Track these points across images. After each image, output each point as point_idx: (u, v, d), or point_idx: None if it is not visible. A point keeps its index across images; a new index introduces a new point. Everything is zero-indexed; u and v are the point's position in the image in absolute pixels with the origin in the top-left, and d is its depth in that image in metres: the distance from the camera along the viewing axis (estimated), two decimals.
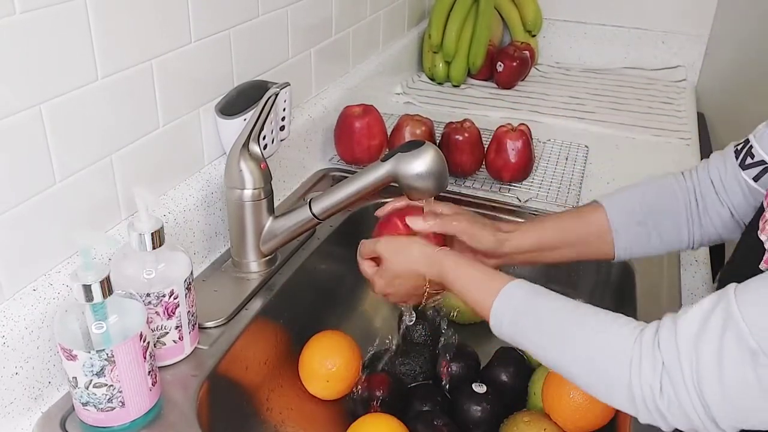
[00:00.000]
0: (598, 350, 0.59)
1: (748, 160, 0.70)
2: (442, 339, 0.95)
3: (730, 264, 0.71)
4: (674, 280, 0.90)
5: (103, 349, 0.58)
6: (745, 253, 0.67)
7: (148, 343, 0.63)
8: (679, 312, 0.56)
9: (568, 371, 0.62)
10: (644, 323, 0.58)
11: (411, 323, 0.94)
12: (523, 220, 0.96)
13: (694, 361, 0.52)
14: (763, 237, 0.62)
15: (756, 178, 0.70)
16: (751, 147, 0.70)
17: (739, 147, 0.72)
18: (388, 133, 1.16)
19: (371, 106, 1.15)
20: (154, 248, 0.66)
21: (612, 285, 0.98)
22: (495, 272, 0.70)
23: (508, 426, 0.80)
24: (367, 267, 0.79)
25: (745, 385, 0.51)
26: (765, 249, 0.62)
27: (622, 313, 0.65)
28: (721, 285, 0.70)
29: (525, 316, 0.64)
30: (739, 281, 0.57)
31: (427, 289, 0.74)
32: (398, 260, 0.75)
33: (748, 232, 0.67)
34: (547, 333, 0.63)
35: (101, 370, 0.59)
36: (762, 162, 0.69)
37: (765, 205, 0.64)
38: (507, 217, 1.05)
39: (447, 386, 0.86)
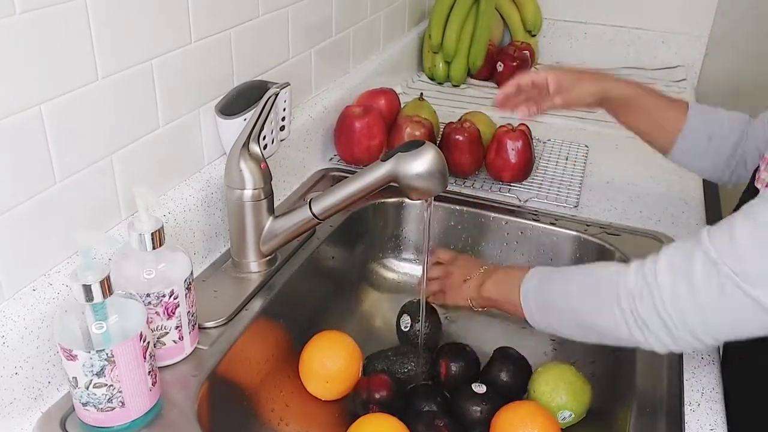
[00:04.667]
0: (598, 285, 0.70)
1: None
2: (442, 339, 0.95)
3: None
4: None
5: (103, 349, 0.58)
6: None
7: (148, 343, 0.63)
8: (662, 247, 0.66)
9: (581, 321, 0.71)
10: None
11: (407, 328, 0.94)
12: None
13: (668, 276, 0.62)
14: (759, 185, 0.74)
15: None
16: None
17: None
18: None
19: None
20: (154, 248, 0.66)
21: None
22: (511, 271, 0.85)
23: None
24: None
25: (708, 288, 0.59)
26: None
27: None
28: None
29: (546, 298, 0.76)
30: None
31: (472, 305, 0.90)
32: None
33: (747, 189, 0.79)
34: (564, 295, 0.73)
35: (101, 370, 0.59)
36: None
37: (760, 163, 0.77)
38: (507, 217, 1.05)
39: (446, 386, 0.86)
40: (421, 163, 0.74)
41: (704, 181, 1.20)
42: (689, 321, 0.61)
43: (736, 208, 0.77)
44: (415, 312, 0.93)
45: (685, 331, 0.62)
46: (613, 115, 0.96)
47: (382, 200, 1.08)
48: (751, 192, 0.77)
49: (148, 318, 0.63)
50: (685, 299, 0.61)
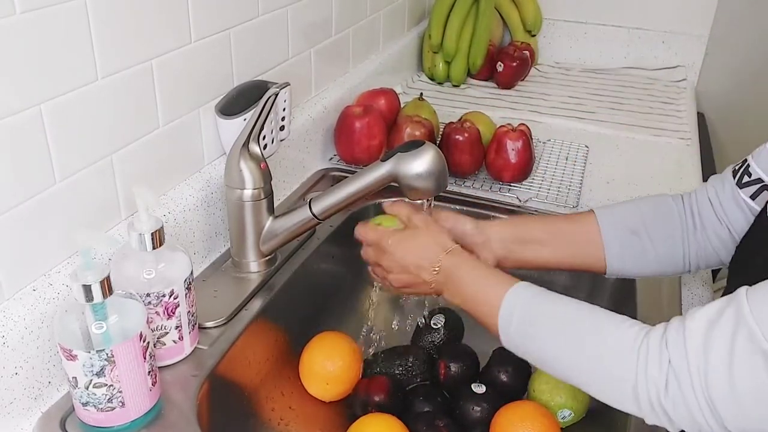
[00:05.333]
0: (605, 351, 0.59)
1: (745, 179, 0.72)
2: (442, 339, 0.95)
3: (741, 247, 0.71)
4: (674, 279, 0.90)
5: (103, 349, 0.58)
6: (755, 235, 0.69)
7: (148, 343, 0.63)
8: (688, 312, 0.56)
9: (575, 375, 0.61)
10: (651, 326, 0.58)
11: (436, 326, 0.93)
12: None
13: (702, 362, 0.52)
14: None
15: (753, 196, 0.71)
16: (748, 166, 0.72)
17: (736, 167, 0.74)
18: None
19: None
20: (154, 248, 0.66)
21: (612, 284, 0.98)
22: (495, 276, 0.69)
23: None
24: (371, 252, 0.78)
25: (758, 389, 0.50)
26: None
27: (622, 313, 0.65)
28: (731, 271, 0.72)
29: (532, 322, 0.64)
30: (751, 262, 0.57)
31: (433, 292, 0.74)
32: (404, 255, 0.74)
33: (757, 219, 0.69)
34: (557, 336, 0.62)
35: (101, 370, 0.59)
36: (759, 180, 0.70)
37: None
38: (507, 217, 1.05)
39: (446, 386, 0.86)
40: (421, 163, 0.74)
41: (704, 182, 1.20)
42: (722, 411, 0.51)
43: (749, 236, 0.70)
44: (455, 318, 0.94)
45: (714, 421, 0.52)
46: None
47: (382, 200, 1.08)
48: (763, 221, 0.67)
49: (148, 318, 0.63)
50: (721, 389, 0.51)
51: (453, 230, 0.79)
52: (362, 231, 0.79)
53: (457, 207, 1.07)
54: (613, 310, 0.66)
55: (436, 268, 0.72)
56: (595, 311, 0.62)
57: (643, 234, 0.76)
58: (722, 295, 0.68)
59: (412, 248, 0.74)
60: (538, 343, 0.64)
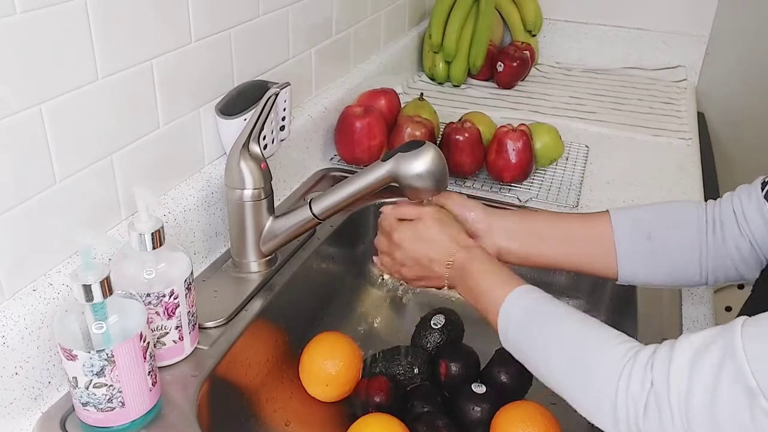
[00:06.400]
0: (592, 363, 0.58)
1: None
2: (442, 339, 0.95)
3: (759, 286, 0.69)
4: None
5: (103, 349, 0.58)
6: None
7: (148, 343, 0.63)
8: (681, 336, 0.54)
9: (559, 383, 0.61)
10: (643, 345, 0.56)
11: (437, 326, 0.93)
12: None
13: (684, 390, 0.50)
14: None
15: None
16: None
17: (766, 179, 0.70)
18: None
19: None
20: (154, 248, 0.66)
21: (611, 287, 0.98)
22: (505, 275, 0.69)
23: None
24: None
25: (738, 425, 0.48)
26: None
27: (621, 318, 0.65)
28: (760, 280, 0.69)
29: (528, 326, 0.64)
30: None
31: (446, 286, 0.74)
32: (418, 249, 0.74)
33: None
34: (547, 343, 0.62)
35: (101, 370, 0.59)
36: None
37: None
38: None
39: (446, 387, 0.86)
40: (421, 163, 0.74)
41: (704, 182, 1.20)
42: None
43: None
44: (455, 318, 0.94)
45: None
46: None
47: (382, 200, 1.08)
48: None
49: (148, 318, 0.63)
50: (701, 420, 0.50)
51: (459, 216, 0.79)
52: (383, 216, 0.80)
53: None
54: (613, 314, 0.65)
55: (450, 262, 0.72)
56: (589, 323, 0.61)
57: (658, 239, 0.73)
58: (745, 304, 0.66)
59: (425, 242, 0.74)
60: (530, 347, 0.63)
